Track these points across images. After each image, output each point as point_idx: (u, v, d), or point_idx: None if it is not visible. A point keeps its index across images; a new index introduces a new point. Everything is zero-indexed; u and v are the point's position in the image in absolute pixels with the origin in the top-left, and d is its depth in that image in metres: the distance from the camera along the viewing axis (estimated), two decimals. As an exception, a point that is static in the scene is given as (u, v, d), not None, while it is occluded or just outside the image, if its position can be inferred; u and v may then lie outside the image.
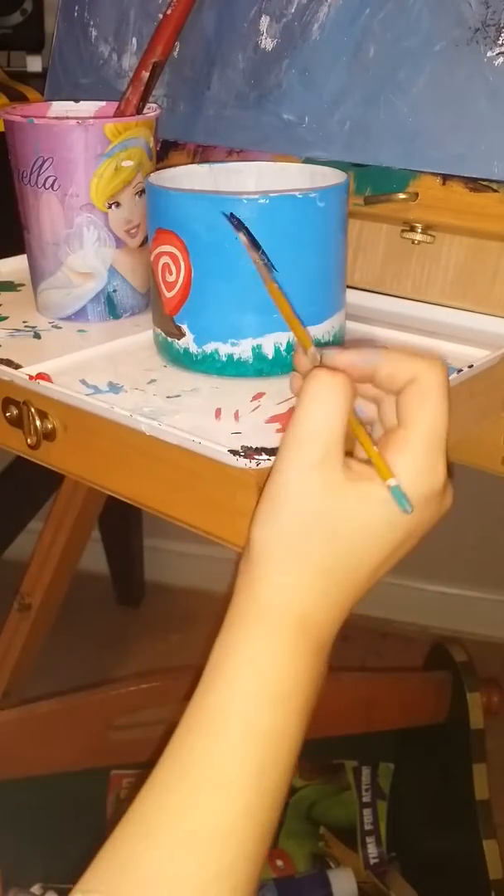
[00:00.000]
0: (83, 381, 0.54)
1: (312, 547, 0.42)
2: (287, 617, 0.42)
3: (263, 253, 0.51)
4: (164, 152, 0.73)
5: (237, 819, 0.39)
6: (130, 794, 0.41)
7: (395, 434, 0.43)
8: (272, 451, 0.45)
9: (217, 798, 0.39)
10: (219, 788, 0.39)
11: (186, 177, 0.60)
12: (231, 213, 0.51)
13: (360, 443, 0.43)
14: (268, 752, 0.40)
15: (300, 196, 0.52)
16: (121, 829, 0.41)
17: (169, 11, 0.65)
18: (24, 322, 0.65)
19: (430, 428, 0.42)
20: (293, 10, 0.66)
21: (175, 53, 0.71)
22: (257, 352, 0.54)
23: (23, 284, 0.71)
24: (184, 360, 0.56)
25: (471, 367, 0.56)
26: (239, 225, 0.51)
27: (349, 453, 0.43)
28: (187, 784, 0.40)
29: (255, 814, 0.40)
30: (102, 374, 0.56)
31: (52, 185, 0.61)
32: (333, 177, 0.57)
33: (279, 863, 1.15)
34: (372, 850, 1.18)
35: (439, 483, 0.43)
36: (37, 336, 0.62)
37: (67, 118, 0.61)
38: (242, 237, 0.50)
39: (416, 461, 0.42)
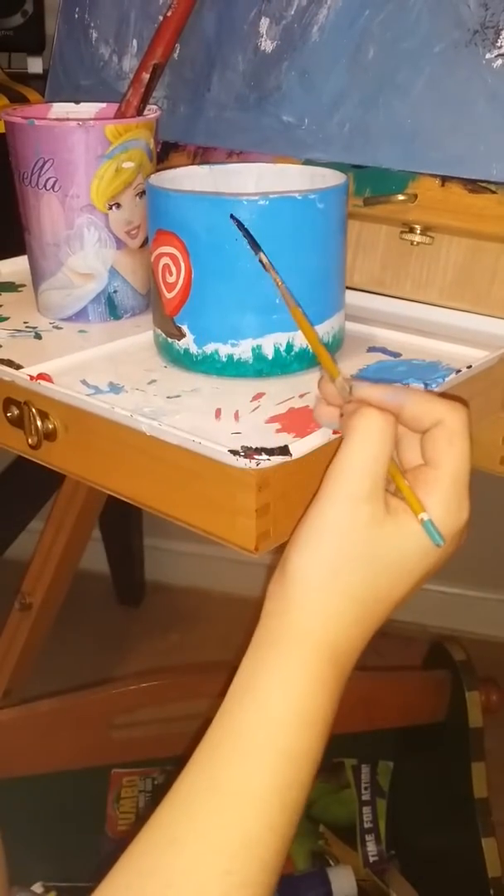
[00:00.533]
0: (84, 382, 0.54)
1: (351, 577, 0.44)
2: (321, 645, 0.44)
3: (264, 254, 0.52)
4: (165, 154, 0.73)
5: (261, 832, 0.41)
6: (146, 814, 0.43)
7: (423, 473, 0.45)
8: (272, 452, 0.45)
9: (244, 812, 0.41)
10: (246, 804, 0.41)
11: (187, 178, 0.61)
12: (232, 216, 0.51)
13: (393, 479, 0.45)
14: (292, 772, 0.43)
15: (300, 197, 0.52)
16: (146, 834, 0.42)
17: (169, 13, 0.65)
18: (25, 322, 0.65)
19: (458, 468, 0.44)
20: (293, 12, 0.66)
21: (175, 55, 0.71)
22: (257, 352, 0.54)
23: (24, 285, 0.71)
24: (184, 361, 0.56)
25: (469, 367, 0.56)
26: (249, 237, 0.51)
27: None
28: (217, 798, 0.42)
29: (277, 828, 0.42)
30: (103, 374, 0.56)
31: (52, 187, 0.61)
32: (333, 178, 0.57)
33: (279, 861, 1.15)
34: (371, 848, 1.18)
35: (464, 519, 0.45)
36: (38, 336, 0.63)
37: (68, 120, 0.61)
38: (263, 258, 0.51)
39: (446, 499, 0.44)
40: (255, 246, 0.51)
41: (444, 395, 0.48)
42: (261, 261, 0.51)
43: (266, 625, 0.45)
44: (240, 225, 0.51)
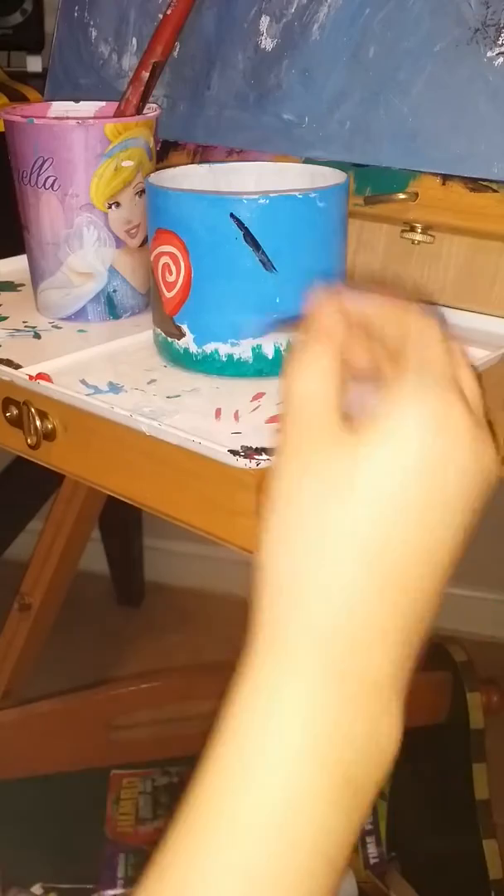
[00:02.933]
0: (83, 381, 0.54)
1: (342, 552, 0.32)
2: (310, 667, 0.32)
3: (263, 253, 0.51)
4: (164, 152, 0.73)
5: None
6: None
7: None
8: (272, 452, 0.45)
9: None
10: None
11: (186, 177, 0.60)
12: (232, 215, 0.51)
13: None
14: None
15: (300, 196, 0.52)
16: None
17: (169, 12, 0.65)
18: (24, 322, 0.65)
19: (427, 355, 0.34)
20: (293, 11, 0.66)
21: (175, 54, 0.71)
22: (257, 352, 0.54)
23: (23, 284, 0.71)
24: (184, 360, 0.56)
25: (471, 367, 0.56)
26: (249, 236, 0.51)
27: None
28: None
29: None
30: (102, 374, 0.56)
31: (52, 186, 0.61)
32: (333, 177, 0.57)
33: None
34: (372, 849, 1.18)
35: (458, 410, 0.33)
36: (37, 336, 0.62)
37: (67, 118, 0.61)
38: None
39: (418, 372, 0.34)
40: (255, 245, 0.51)
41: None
42: (265, 264, 0.50)
43: (249, 650, 0.34)
44: (240, 224, 0.51)
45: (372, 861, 1.18)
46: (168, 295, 0.55)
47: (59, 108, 0.69)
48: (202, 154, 0.72)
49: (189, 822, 0.32)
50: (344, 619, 0.32)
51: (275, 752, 0.31)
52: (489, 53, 0.57)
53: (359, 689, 0.32)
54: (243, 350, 0.54)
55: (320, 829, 0.31)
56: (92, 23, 0.78)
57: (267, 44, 0.67)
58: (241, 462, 0.45)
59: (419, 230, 0.61)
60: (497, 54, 0.57)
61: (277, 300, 0.53)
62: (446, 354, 0.35)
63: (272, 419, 0.50)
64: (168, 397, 0.53)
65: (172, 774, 1.15)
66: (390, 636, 0.32)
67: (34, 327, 0.64)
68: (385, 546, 0.32)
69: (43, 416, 0.54)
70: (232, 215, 0.51)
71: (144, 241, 0.64)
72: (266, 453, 0.45)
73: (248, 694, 0.33)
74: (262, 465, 0.45)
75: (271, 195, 0.52)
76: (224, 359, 0.54)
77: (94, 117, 0.66)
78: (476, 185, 0.58)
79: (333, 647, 0.32)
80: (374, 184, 0.62)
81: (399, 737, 0.33)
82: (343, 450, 0.32)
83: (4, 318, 0.65)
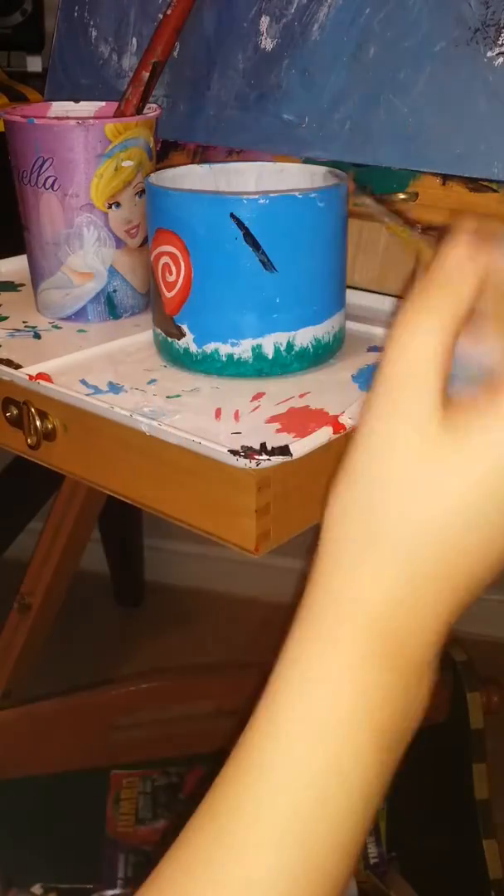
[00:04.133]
0: (83, 381, 0.54)
1: (389, 527, 0.33)
2: (356, 619, 0.33)
3: (263, 253, 0.51)
4: (165, 152, 0.73)
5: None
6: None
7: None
8: (272, 452, 0.45)
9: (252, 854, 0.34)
10: (253, 845, 0.34)
11: (186, 177, 0.60)
12: (232, 215, 0.51)
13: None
14: (313, 793, 0.33)
15: (300, 196, 0.52)
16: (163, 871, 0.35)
17: (169, 12, 0.65)
18: (24, 322, 0.65)
19: None
20: (293, 11, 0.66)
21: (175, 54, 0.71)
22: (257, 352, 0.54)
23: (23, 284, 0.71)
24: (184, 360, 0.56)
25: (471, 367, 0.56)
26: (249, 236, 0.51)
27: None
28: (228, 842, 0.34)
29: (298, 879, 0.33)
30: (102, 374, 0.56)
31: (52, 186, 0.61)
32: (333, 177, 0.57)
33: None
34: (372, 849, 1.18)
35: None
36: (37, 336, 0.62)
37: (67, 118, 0.61)
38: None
39: None
40: (255, 245, 0.51)
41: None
42: (265, 264, 0.50)
43: (302, 604, 0.35)
44: (240, 224, 0.51)
45: (372, 861, 1.18)
46: (168, 295, 0.55)
47: (59, 108, 0.69)
48: (202, 154, 0.72)
49: (237, 763, 0.34)
50: (396, 607, 0.34)
51: (321, 715, 0.33)
52: (489, 53, 0.57)
53: (401, 667, 0.35)
54: (243, 350, 0.54)
55: (359, 787, 0.34)
56: (92, 23, 0.78)
57: (267, 44, 0.67)
58: (241, 462, 0.45)
59: (419, 230, 0.61)
60: (497, 54, 0.57)
61: (277, 300, 0.53)
62: None
63: (272, 419, 0.50)
64: (168, 397, 0.53)
65: (172, 774, 1.15)
66: (434, 625, 0.35)
67: (34, 327, 0.64)
68: (452, 551, 0.33)
69: (43, 416, 0.54)
70: (232, 215, 0.51)
71: (144, 241, 0.64)
72: (266, 453, 0.45)
73: (299, 656, 0.34)
74: (262, 465, 0.45)
75: (271, 195, 0.52)
76: (224, 359, 0.54)
77: (94, 117, 0.66)
78: (476, 185, 0.58)
79: (383, 629, 0.34)
80: (374, 184, 0.62)
81: (426, 702, 0.36)
82: (437, 452, 0.32)
83: (4, 318, 0.65)
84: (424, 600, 0.34)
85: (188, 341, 0.55)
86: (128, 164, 0.61)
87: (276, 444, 0.46)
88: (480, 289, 0.34)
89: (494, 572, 0.34)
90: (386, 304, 0.66)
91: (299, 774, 0.33)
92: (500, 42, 0.57)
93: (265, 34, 0.67)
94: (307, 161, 0.64)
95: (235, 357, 0.54)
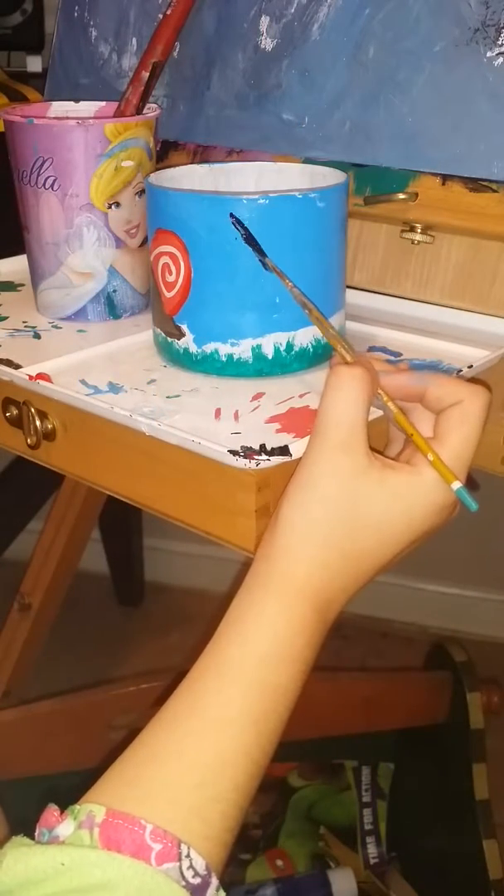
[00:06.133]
0: (83, 382, 0.54)
1: (334, 530, 0.45)
2: (305, 590, 0.46)
3: (263, 253, 0.51)
4: (164, 152, 0.73)
5: (236, 755, 0.44)
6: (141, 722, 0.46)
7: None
8: (272, 452, 0.45)
9: (221, 735, 0.44)
10: (223, 727, 0.44)
11: (186, 177, 0.60)
12: (231, 215, 0.51)
13: (405, 431, 0.47)
14: (269, 703, 0.45)
15: (300, 196, 0.52)
16: (131, 751, 0.45)
17: (169, 12, 0.65)
18: (24, 322, 0.65)
19: (463, 448, 0.46)
20: (293, 11, 0.66)
21: (175, 54, 0.71)
22: (257, 352, 0.54)
23: (23, 284, 0.71)
24: (184, 360, 0.56)
25: (471, 367, 0.56)
26: (249, 236, 0.51)
27: (375, 450, 0.47)
28: (196, 718, 0.44)
29: (251, 753, 0.44)
30: (102, 374, 0.56)
31: (51, 186, 0.61)
32: (333, 177, 0.57)
33: (279, 863, 1.15)
34: (372, 849, 1.18)
35: (454, 496, 0.46)
36: (37, 336, 0.62)
37: (67, 118, 0.61)
38: (270, 263, 0.52)
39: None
40: (255, 245, 0.51)
41: (472, 379, 0.49)
42: (265, 264, 0.51)
43: (256, 568, 0.47)
44: (239, 224, 0.51)
45: (372, 861, 1.18)
46: (168, 295, 0.55)
47: (59, 108, 0.69)
48: (202, 154, 0.72)
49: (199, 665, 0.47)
50: (322, 577, 0.46)
51: (259, 624, 0.46)
52: (489, 53, 0.57)
53: (315, 612, 0.46)
54: (243, 350, 0.54)
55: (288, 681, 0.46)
56: (92, 23, 0.78)
57: (267, 44, 0.67)
58: (241, 462, 0.45)
59: (419, 230, 0.61)
60: (497, 54, 0.57)
61: (277, 300, 0.53)
62: (476, 439, 0.47)
63: (272, 419, 0.50)
64: (168, 397, 0.53)
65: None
66: (341, 595, 0.47)
67: (34, 327, 0.64)
68: (356, 546, 0.46)
69: (43, 416, 0.54)
70: (232, 215, 0.51)
71: (144, 241, 0.64)
72: (265, 453, 0.45)
73: (244, 601, 0.46)
74: (262, 465, 0.45)
75: (271, 195, 0.52)
76: (224, 359, 0.54)
77: (94, 117, 0.66)
78: (476, 185, 0.58)
79: (310, 588, 0.46)
80: (373, 184, 0.62)
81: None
82: (366, 483, 0.45)
83: (4, 318, 0.65)
84: (347, 582, 0.47)
85: (188, 341, 0.55)
86: (128, 164, 0.61)
87: (275, 444, 0.46)
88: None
89: (386, 567, 0.48)
90: (386, 304, 0.66)
91: (243, 676, 0.45)
92: (500, 42, 0.57)
93: (265, 34, 0.67)
94: (307, 161, 0.64)
95: (235, 357, 0.54)
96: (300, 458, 0.46)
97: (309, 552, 0.45)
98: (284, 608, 0.45)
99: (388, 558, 0.47)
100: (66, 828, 0.43)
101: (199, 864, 0.41)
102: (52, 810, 0.45)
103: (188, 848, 0.41)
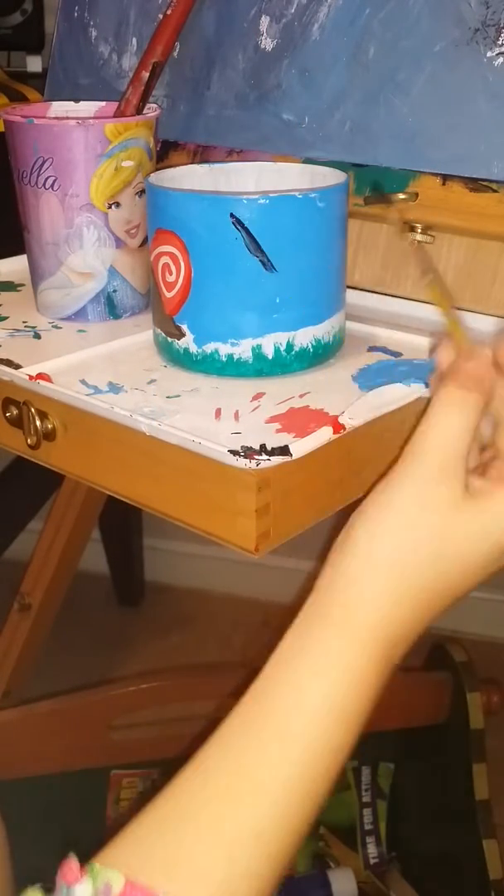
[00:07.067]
0: (83, 382, 0.54)
1: (417, 562, 0.42)
2: (370, 627, 0.41)
3: (263, 253, 0.51)
4: (165, 152, 0.73)
5: (274, 825, 0.39)
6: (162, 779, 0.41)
7: None
8: (272, 452, 0.45)
9: (259, 801, 0.39)
10: (263, 793, 0.39)
11: (186, 177, 0.60)
12: (231, 215, 0.51)
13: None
14: (317, 766, 0.40)
15: (300, 196, 0.52)
16: (157, 804, 0.40)
17: (169, 12, 0.65)
18: (24, 322, 0.65)
19: None
20: (293, 10, 0.66)
21: (175, 54, 0.71)
22: (257, 352, 0.54)
23: (23, 284, 0.71)
24: (184, 360, 0.56)
25: (471, 367, 0.56)
26: (249, 236, 0.51)
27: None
28: (234, 781, 0.40)
29: (290, 822, 0.39)
30: (102, 374, 0.56)
31: (51, 186, 0.61)
32: (333, 177, 0.57)
33: (279, 863, 1.15)
34: (372, 849, 1.18)
35: None
36: (37, 336, 0.62)
37: (67, 118, 0.61)
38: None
39: None
40: (255, 245, 0.51)
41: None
42: (265, 265, 0.51)
43: (317, 597, 0.42)
44: (240, 224, 0.51)
45: (372, 861, 1.18)
46: (168, 295, 0.55)
47: (59, 108, 0.69)
48: (202, 154, 0.72)
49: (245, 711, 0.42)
50: (394, 615, 0.42)
51: (316, 671, 0.41)
52: (489, 53, 0.57)
53: (384, 656, 0.42)
54: (243, 350, 0.54)
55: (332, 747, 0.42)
56: (92, 23, 0.78)
57: (267, 44, 0.67)
58: (241, 462, 0.45)
59: (419, 230, 0.61)
60: (497, 54, 0.57)
61: (277, 300, 0.53)
62: None
63: (272, 419, 0.50)
64: (168, 397, 0.53)
65: (172, 774, 1.15)
66: (411, 635, 0.43)
67: (34, 327, 0.64)
68: (437, 582, 0.42)
69: (43, 416, 0.54)
70: (232, 215, 0.51)
71: (144, 241, 0.64)
72: (266, 453, 0.45)
73: (299, 639, 0.42)
74: (262, 465, 0.45)
75: (271, 195, 0.52)
76: (224, 359, 0.54)
77: (94, 117, 0.66)
78: (476, 185, 0.58)
79: (380, 627, 0.42)
80: (374, 184, 0.62)
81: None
82: (459, 516, 0.42)
83: (4, 318, 0.65)
84: (420, 621, 0.43)
85: (188, 341, 0.55)
86: (128, 164, 0.61)
87: (275, 444, 0.46)
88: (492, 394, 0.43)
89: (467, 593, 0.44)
90: (386, 304, 0.66)
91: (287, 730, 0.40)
92: (500, 42, 0.57)
93: (265, 34, 0.67)
94: (307, 161, 0.64)
95: (235, 357, 0.54)
96: (386, 477, 0.43)
97: (382, 584, 0.41)
98: (345, 653, 0.41)
99: (469, 587, 0.43)
100: (83, 891, 0.38)
101: None
102: (72, 864, 0.39)
103: None
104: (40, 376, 0.54)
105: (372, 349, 0.60)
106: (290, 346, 0.54)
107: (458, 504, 0.41)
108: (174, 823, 0.39)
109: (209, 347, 0.54)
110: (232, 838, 0.38)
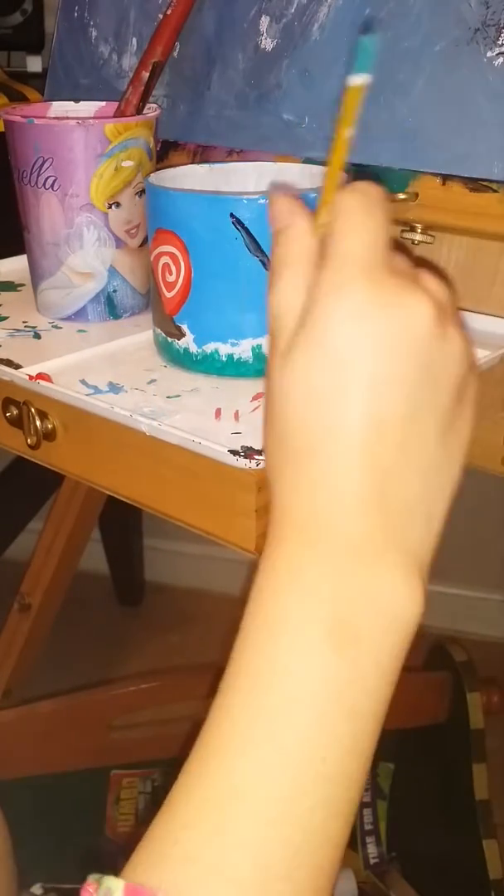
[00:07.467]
0: (83, 381, 0.54)
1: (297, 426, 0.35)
2: (287, 527, 0.35)
3: (263, 253, 0.51)
4: (164, 152, 0.73)
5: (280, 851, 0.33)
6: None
7: None
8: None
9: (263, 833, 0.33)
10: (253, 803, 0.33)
11: (186, 177, 0.60)
12: (231, 215, 0.51)
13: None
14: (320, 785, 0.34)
15: (300, 196, 0.52)
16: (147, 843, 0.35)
17: (169, 12, 0.65)
18: (24, 322, 0.65)
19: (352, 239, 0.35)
20: (293, 10, 0.66)
21: (175, 53, 0.71)
22: (257, 352, 0.54)
23: (23, 284, 0.71)
24: (184, 360, 0.56)
25: (471, 367, 0.56)
26: (249, 236, 0.51)
27: None
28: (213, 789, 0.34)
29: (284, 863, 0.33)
30: (102, 374, 0.56)
31: (52, 186, 0.61)
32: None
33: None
34: (372, 849, 1.18)
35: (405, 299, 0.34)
36: (37, 336, 0.62)
37: (67, 118, 0.61)
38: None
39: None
40: (255, 245, 0.51)
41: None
42: (265, 265, 0.51)
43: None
44: (240, 224, 0.51)
45: (372, 861, 1.18)
46: (168, 295, 0.55)
47: (59, 108, 0.69)
48: (202, 154, 0.72)
49: (227, 707, 0.35)
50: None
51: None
52: (489, 53, 0.57)
53: (340, 555, 0.35)
54: (243, 350, 0.54)
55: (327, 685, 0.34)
56: (92, 23, 0.78)
57: (267, 44, 0.67)
58: (241, 462, 0.45)
59: (419, 230, 0.61)
60: (497, 54, 0.57)
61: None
62: (373, 239, 0.35)
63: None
64: (168, 397, 0.53)
65: (172, 774, 1.15)
66: (355, 502, 0.35)
67: (34, 327, 0.64)
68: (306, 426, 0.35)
69: (43, 416, 0.54)
70: (232, 215, 0.51)
71: (144, 241, 0.64)
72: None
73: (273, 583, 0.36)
74: (262, 465, 0.45)
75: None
76: (224, 359, 0.54)
77: (94, 117, 0.66)
78: (476, 185, 0.58)
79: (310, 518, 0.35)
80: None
81: (411, 601, 0.36)
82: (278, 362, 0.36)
83: (4, 318, 0.65)
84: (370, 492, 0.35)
85: (188, 341, 0.55)
86: (128, 164, 0.61)
87: (276, 444, 0.46)
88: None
89: (433, 444, 0.36)
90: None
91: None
92: (500, 42, 0.57)
93: (265, 34, 0.67)
94: (307, 161, 0.64)
95: (235, 357, 0.54)
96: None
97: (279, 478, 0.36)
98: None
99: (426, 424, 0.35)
100: None
101: None
102: (89, 884, 0.34)
103: None
104: (40, 376, 0.54)
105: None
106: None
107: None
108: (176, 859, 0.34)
109: (209, 347, 0.54)
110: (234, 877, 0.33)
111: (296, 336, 0.35)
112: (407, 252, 0.39)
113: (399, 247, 0.39)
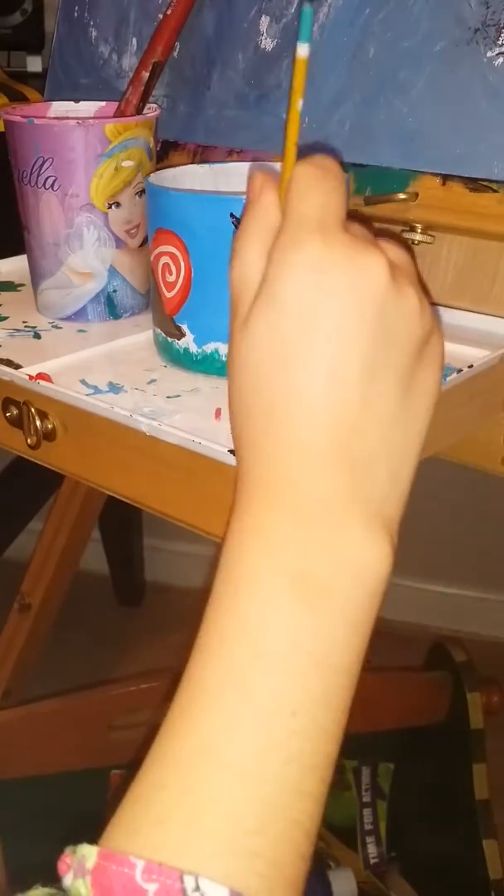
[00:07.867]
0: (83, 381, 0.54)
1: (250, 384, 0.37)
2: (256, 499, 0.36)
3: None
4: (164, 152, 0.73)
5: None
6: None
7: None
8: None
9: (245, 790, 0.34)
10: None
11: (186, 177, 0.60)
12: (232, 215, 0.51)
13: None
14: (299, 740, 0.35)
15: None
16: (129, 804, 0.36)
17: (169, 12, 0.65)
18: (24, 322, 0.65)
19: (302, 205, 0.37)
20: (293, 11, 0.66)
21: (175, 53, 0.71)
22: (257, 352, 0.54)
23: (23, 284, 0.71)
24: (184, 360, 0.56)
25: (470, 367, 0.56)
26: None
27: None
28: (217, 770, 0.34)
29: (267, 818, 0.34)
30: (102, 374, 0.56)
31: (52, 186, 0.61)
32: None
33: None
34: (372, 849, 1.18)
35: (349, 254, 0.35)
36: (37, 336, 0.62)
37: (67, 118, 0.61)
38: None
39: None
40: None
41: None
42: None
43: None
44: (239, 224, 0.51)
45: (372, 861, 1.18)
46: (168, 295, 0.55)
47: (59, 108, 0.69)
48: (202, 154, 0.72)
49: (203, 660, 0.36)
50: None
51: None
52: (489, 53, 0.57)
53: (305, 511, 0.35)
54: (243, 350, 0.54)
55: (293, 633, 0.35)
56: (92, 23, 0.78)
57: (267, 44, 0.67)
58: (241, 462, 0.45)
59: (419, 230, 0.61)
60: (497, 54, 0.57)
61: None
62: (326, 201, 0.37)
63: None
64: (168, 397, 0.53)
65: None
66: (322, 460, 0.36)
67: (34, 327, 0.64)
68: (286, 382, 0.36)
69: (43, 416, 0.54)
70: (232, 215, 0.51)
71: (144, 241, 0.64)
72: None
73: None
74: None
75: (271, 195, 0.52)
76: (224, 359, 0.54)
77: (94, 117, 0.66)
78: (476, 185, 0.58)
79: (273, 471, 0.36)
80: (374, 184, 0.62)
81: (377, 554, 0.36)
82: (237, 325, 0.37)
83: (4, 318, 0.65)
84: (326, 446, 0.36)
85: (188, 341, 0.55)
86: (128, 164, 0.61)
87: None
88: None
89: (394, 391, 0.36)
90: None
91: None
92: (500, 42, 0.57)
93: (265, 34, 0.67)
94: (307, 161, 0.64)
95: (235, 357, 0.54)
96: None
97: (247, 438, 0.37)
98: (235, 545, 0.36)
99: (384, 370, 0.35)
100: (68, 877, 0.34)
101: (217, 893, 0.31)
102: (65, 856, 0.35)
103: (195, 879, 0.31)
104: (40, 376, 0.54)
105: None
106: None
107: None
108: (152, 825, 0.34)
109: (209, 347, 0.54)
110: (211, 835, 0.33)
111: (254, 303, 0.36)
112: (367, 223, 0.40)
113: (360, 219, 0.41)
